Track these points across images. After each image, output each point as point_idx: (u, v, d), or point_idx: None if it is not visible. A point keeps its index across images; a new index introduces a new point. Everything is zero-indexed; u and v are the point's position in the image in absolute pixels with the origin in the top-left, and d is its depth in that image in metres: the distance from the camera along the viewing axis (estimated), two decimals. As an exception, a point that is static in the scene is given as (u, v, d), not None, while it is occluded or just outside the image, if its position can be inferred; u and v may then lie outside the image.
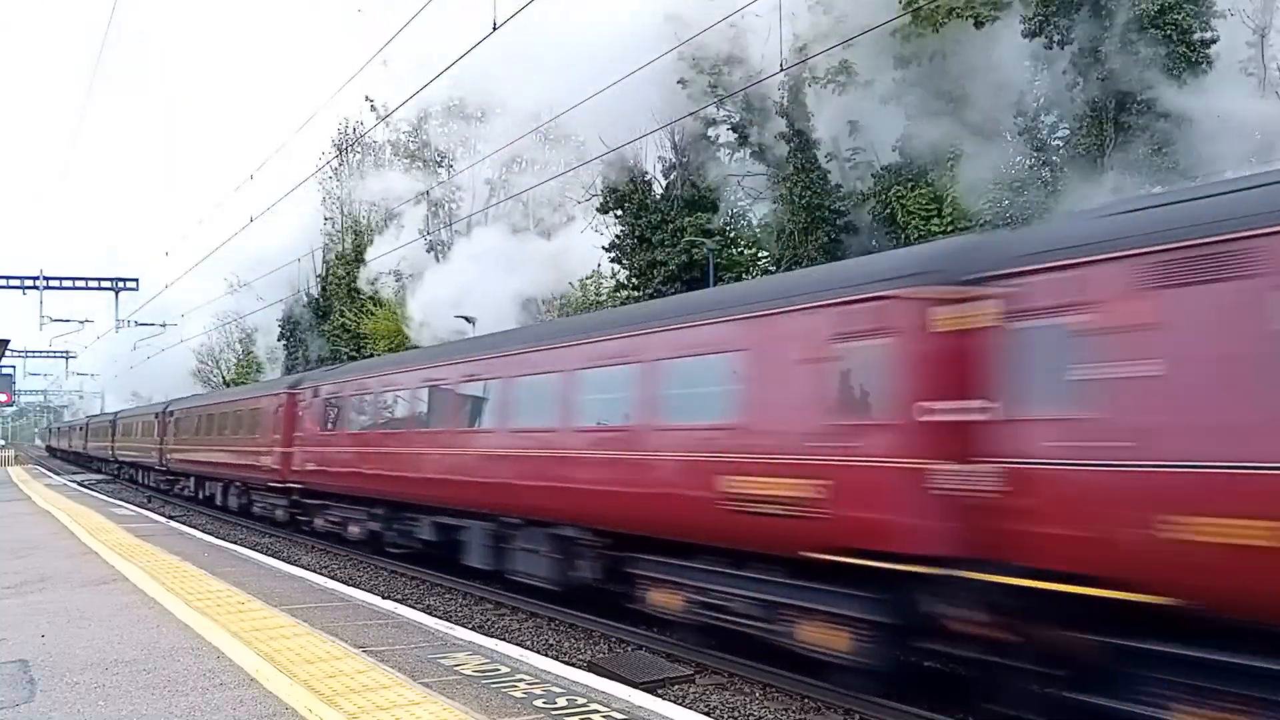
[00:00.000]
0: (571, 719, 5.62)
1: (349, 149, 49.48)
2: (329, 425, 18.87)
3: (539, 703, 5.94)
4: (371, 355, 36.75)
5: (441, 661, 7.09)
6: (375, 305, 42.95)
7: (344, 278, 48.22)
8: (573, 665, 7.87)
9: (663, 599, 9.83)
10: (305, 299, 51.85)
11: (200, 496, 30.26)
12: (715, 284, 26.51)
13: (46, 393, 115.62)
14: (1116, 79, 20.99)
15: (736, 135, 30.86)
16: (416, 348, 27.75)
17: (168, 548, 14.63)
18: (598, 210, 33.95)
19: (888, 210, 25.20)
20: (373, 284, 42.15)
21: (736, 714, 8.03)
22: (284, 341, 55.24)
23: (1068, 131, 23.35)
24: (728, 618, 8.90)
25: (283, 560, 15.35)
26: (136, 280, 35.38)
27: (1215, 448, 5.41)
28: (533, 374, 12.00)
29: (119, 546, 14.69)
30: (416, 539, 15.14)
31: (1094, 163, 21.37)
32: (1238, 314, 5.44)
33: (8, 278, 33.67)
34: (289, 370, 48.02)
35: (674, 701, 7.41)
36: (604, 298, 34.01)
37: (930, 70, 24.69)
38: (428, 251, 39.22)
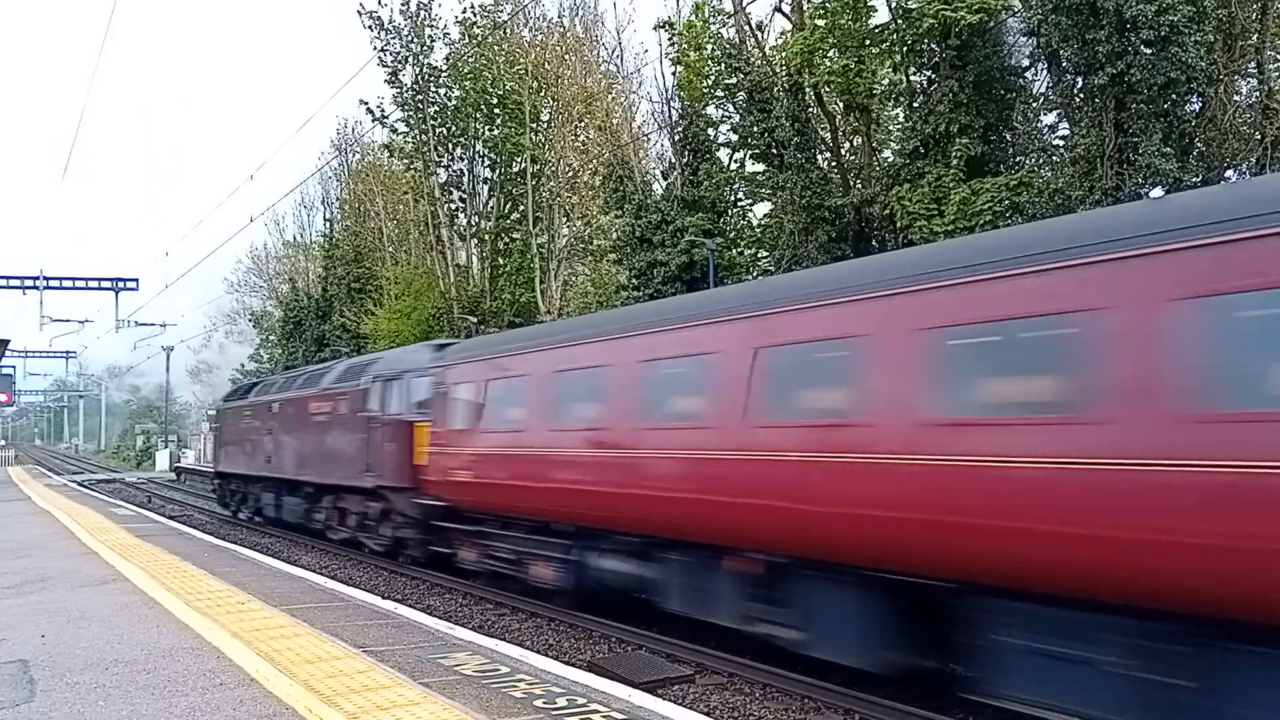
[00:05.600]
0: (571, 719, 5.62)
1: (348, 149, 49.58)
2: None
3: (539, 703, 5.94)
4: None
5: (441, 661, 7.09)
6: (376, 306, 42.94)
7: (344, 277, 48.32)
8: (573, 665, 7.87)
9: None
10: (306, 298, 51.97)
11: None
12: (717, 285, 26.31)
13: (47, 393, 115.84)
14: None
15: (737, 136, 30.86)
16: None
17: (168, 548, 14.62)
18: (599, 211, 33.89)
19: (887, 211, 25.17)
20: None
21: (736, 714, 8.03)
22: (285, 340, 55.33)
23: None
24: None
25: (283, 560, 15.34)
26: (136, 280, 35.47)
27: None
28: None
29: (119, 546, 14.69)
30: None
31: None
32: None
33: (8, 278, 33.72)
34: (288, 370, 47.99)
35: (674, 701, 7.40)
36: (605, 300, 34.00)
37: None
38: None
